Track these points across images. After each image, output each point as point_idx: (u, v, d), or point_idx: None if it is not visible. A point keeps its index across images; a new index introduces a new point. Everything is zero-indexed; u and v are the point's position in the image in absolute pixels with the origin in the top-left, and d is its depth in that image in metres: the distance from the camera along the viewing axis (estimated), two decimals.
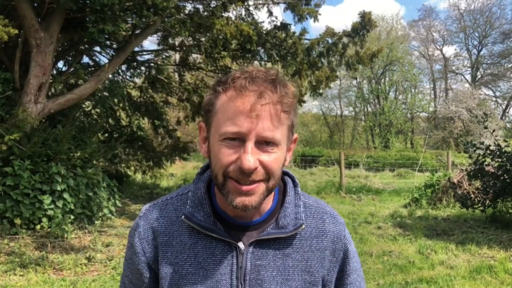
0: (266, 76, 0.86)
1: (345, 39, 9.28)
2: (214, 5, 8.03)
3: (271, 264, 0.95)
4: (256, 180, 0.85)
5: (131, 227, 1.04)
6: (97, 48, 9.04)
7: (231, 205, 0.88)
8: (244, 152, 0.83)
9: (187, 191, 1.01)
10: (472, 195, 8.12)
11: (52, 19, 6.47)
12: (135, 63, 9.90)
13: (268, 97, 0.83)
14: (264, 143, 0.85)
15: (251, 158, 0.83)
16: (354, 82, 36.67)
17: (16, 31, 5.39)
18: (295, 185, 1.04)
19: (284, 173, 1.04)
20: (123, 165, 10.40)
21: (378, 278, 4.87)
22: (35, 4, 6.51)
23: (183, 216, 0.95)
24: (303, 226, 0.97)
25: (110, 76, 9.04)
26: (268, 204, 0.98)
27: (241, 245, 0.94)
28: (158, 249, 0.97)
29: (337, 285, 1.03)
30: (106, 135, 9.97)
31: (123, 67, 10.16)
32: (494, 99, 35.45)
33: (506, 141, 7.90)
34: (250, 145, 0.83)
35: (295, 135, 0.96)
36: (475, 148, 7.81)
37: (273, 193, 0.99)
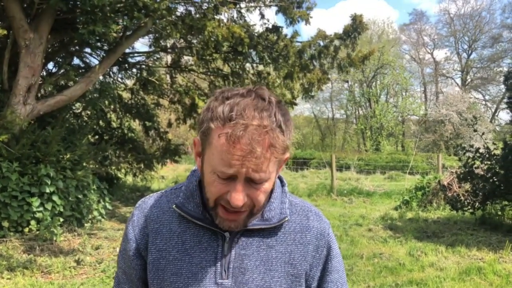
0: (259, 129, 0.85)
1: (336, 42, 9.31)
2: (206, 7, 8.01)
3: (254, 254, 0.99)
4: (242, 210, 0.92)
5: (128, 219, 1.09)
6: (88, 50, 8.96)
7: (219, 225, 0.96)
8: (234, 190, 0.89)
9: (181, 186, 1.07)
10: (462, 198, 8.18)
11: (42, 20, 6.41)
12: (126, 65, 9.84)
13: (258, 153, 0.85)
14: (253, 181, 0.89)
15: (240, 196, 0.89)
16: (346, 85, 36.88)
17: (5, 32, 5.35)
18: (282, 184, 1.08)
19: None
20: (113, 167, 10.31)
21: (369, 280, 4.88)
22: (25, 5, 6.44)
23: (174, 205, 1.01)
24: (287, 218, 1.02)
25: (101, 77, 8.98)
26: None
27: (227, 234, 0.98)
28: (149, 236, 1.02)
29: (319, 283, 1.06)
30: (97, 137, 9.89)
31: (114, 69, 10.10)
32: (483, 102, 35.81)
33: (495, 144, 7.98)
34: (239, 184, 0.88)
35: (287, 156, 0.95)
36: (465, 151, 7.89)
37: None
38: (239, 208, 0.91)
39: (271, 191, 1.04)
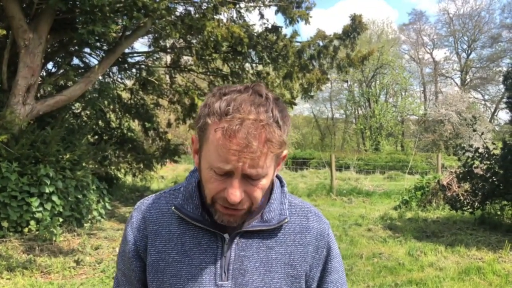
0: (255, 124, 0.85)
1: (336, 42, 9.32)
2: (205, 7, 8.01)
3: (254, 256, 0.99)
4: (239, 208, 0.92)
5: (127, 221, 1.09)
6: (87, 50, 8.95)
7: (218, 221, 0.95)
8: (230, 186, 0.88)
9: (179, 187, 1.07)
10: (461, 197, 8.18)
11: (41, 20, 6.41)
12: (125, 65, 9.84)
13: (255, 147, 0.85)
14: (249, 178, 0.89)
15: (236, 193, 0.88)
16: (345, 85, 36.88)
17: (4, 32, 5.34)
18: (282, 185, 1.08)
19: None
20: (113, 168, 10.30)
21: (368, 280, 4.88)
22: (24, 5, 6.44)
23: (173, 207, 1.00)
24: (287, 220, 1.01)
25: (100, 77, 8.97)
26: None
27: (226, 236, 0.98)
28: (148, 238, 1.02)
29: (319, 283, 1.05)
30: (96, 137, 9.89)
31: (114, 69, 10.09)
32: (483, 102, 35.85)
33: (494, 144, 7.99)
34: (236, 180, 0.88)
35: (285, 153, 0.96)
36: (464, 151, 7.89)
37: None
38: (237, 206, 0.90)
39: (271, 192, 1.04)
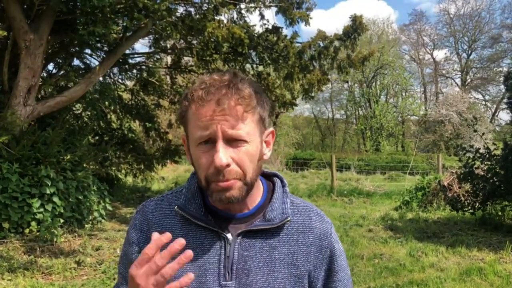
0: (220, 83, 0.93)
1: (336, 43, 9.32)
2: (205, 8, 8.02)
3: (257, 256, 0.99)
4: (231, 178, 0.92)
5: (129, 223, 1.10)
6: (88, 51, 8.95)
7: (216, 202, 0.96)
8: (215, 151, 0.91)
9: (181, 189, 1.08)
10: (462, 198, 8.18)
11: (42, 21, 6.42)
12: (126, 66, 9.84)
13: (226, 101, 0.90)
14: (232, 141, 0.92)
15: (221, 155, 0.90)
16: (346, 85, 36.87)
17: (5, 33, 5.35)
18: (283, 185, 1.09)
19: (273, 175, 1.11)
20: (113, 168, 10.31)
21: (369, 281, 4.88)
22: (25, 6, 6.45)
23: (176, 207, 1.01)
24: (289, 218, 1.02)
25: (101, 78, 8.98)
26: (256, 199, 1.04)
27: (229, 236, 0.99)
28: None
29: (326, 283, 1.05)
30: (97, 138, 9.89)
31: (114, 70, 10.10)
32: (483, 102, 35.81)
33: (495, 144, 7.98)
34: (220, 144, 0.91)
35: (271, 129, 1.02)
36: (465, 151, 7.89)
37: (261, 190, 1.05)
38: (227, 174, 0.91)
39: (272, 191, 1.06)
